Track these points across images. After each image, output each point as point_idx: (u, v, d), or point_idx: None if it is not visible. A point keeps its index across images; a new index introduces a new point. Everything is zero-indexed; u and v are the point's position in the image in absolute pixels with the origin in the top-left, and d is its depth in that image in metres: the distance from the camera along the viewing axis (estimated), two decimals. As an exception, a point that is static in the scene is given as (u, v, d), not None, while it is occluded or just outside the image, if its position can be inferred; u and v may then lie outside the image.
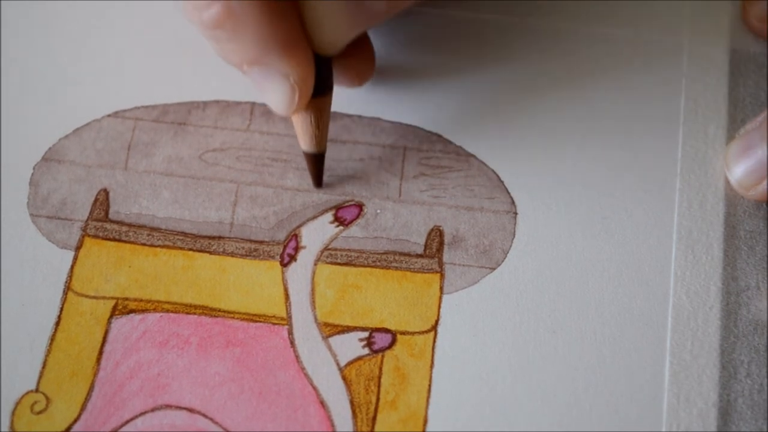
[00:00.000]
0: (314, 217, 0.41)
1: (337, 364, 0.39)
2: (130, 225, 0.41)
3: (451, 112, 0.43)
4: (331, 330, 0.39)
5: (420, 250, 0.41)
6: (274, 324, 0.39)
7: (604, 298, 0.40)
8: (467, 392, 0.38)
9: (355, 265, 0.40)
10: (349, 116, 0.43)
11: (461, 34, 0.45)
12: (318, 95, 0.39)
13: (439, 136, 0.43)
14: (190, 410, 0.38)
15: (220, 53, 0.37)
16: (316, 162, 0.41)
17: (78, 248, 0.40)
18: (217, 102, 0.44)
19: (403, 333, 0.39)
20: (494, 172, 0.42)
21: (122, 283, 0.40)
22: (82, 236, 0.41)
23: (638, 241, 0.41)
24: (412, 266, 0.40)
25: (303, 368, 0.38)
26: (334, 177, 0.42)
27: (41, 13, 0.45)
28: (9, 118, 0.43)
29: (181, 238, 0.41)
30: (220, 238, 0.41)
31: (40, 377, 0.38)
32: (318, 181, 0.42)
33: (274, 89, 0.38)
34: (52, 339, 0.39)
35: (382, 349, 0.39)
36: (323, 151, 0.41)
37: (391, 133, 0.43)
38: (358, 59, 0.42)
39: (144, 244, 0.41)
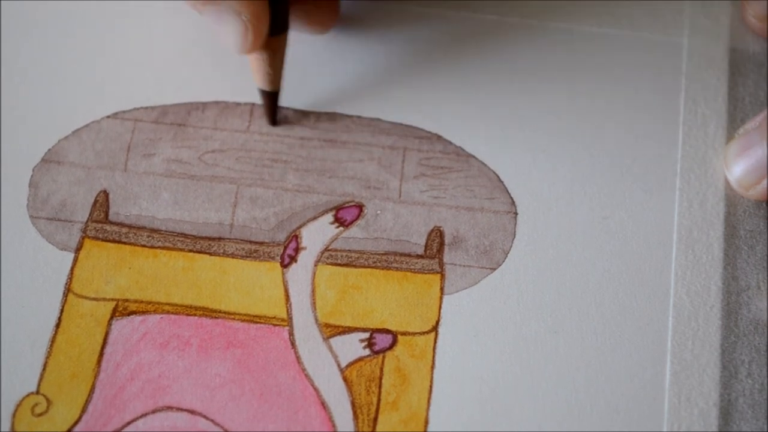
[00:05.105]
0: (314, 218, 0.41)
1: (338, 365, 0.39)
2: (130, 226, 0.41)
3: (451, 112, 0.43)
4: (331, 331, 0.39)
5: (420, 251, 0.41)
6: (275, 325, 0.39)
7: (604, 298, 0.40)
8: (468, 393, 0.38)
9: (355, 266, 0.40)
10: (349, 116, 0.43)
11: (461, 34, 0.45)
12: (273, 35, 0.39)
13: (439, 136, 0.43)
14: (191, 412, 0.38)
15: None
16: (269, 100, 0.42)
17: (78, 250, 0.40)
18: (216, 103, 0.43)
19: (403, 334, 0.39)
20: (494, 173, 0.42)
21: (122, 285, 0.40)
22: (82, 238, 0.41)
23: (638, 241, 0.41)
24: (412, 267, 0.40)
25: (304, 369, 0.38)
26: (335, 177, 0.42)
27: (41, 13, 0.45)
28: (8, 119, 0.43)
29: (181, 239, 0.41)
30: (220, 239, 0.41)
31: (41, 379, 0.38)
32: (271, 119, 0.43)
33: (228, 28, 0.38)
34: (53, 341, 0.38)
35: (383, 350, 0.39)
36: (277, 89, 0.42)
37: (390, 133, 0.43)
38: (318, 4, 0.42)
39: (144, 246, 0.40)
